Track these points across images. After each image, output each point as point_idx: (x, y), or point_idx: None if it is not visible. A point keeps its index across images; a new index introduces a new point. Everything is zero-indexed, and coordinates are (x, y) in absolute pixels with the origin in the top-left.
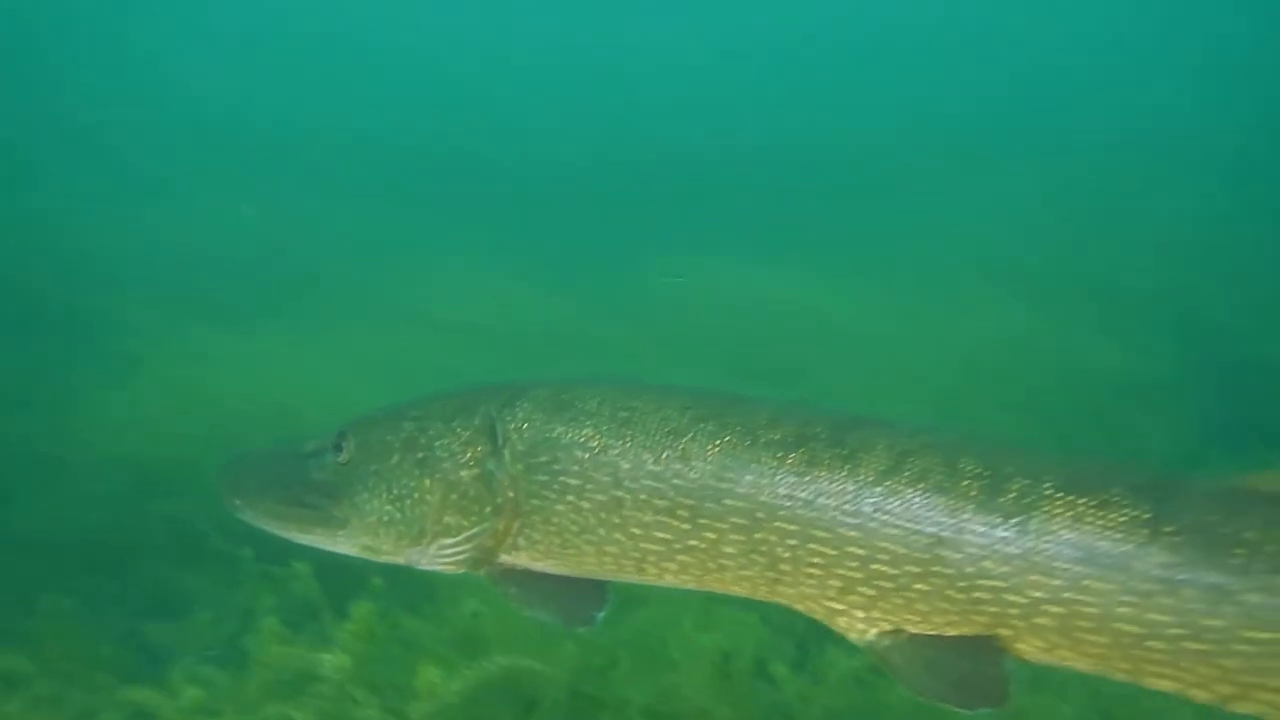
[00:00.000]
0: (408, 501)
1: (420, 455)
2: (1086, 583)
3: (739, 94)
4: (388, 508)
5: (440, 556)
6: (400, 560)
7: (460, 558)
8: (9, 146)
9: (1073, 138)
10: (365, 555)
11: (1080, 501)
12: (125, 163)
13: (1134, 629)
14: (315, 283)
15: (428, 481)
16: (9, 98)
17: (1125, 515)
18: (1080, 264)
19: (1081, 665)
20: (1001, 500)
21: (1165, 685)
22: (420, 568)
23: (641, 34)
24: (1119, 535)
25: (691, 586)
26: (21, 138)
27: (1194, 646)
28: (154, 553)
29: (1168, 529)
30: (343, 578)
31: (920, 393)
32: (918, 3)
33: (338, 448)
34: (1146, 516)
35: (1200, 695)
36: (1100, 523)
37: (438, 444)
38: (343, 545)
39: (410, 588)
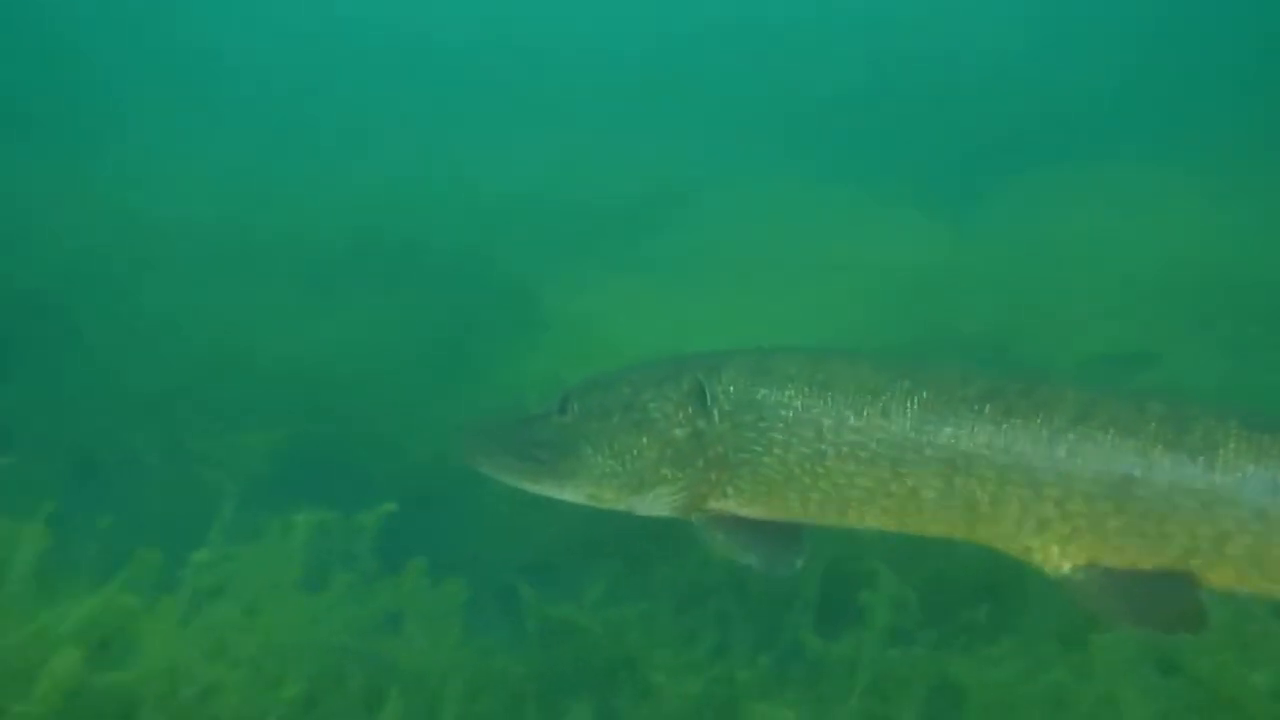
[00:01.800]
0: (627, 456)
1: (637, 416)
2: (1273, 513)
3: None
4: (610, 462)
5: (657, 503)
6: (621, 507)
7: (676, 503)
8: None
9: None
10: (590, 503)
11: (1265, 437)
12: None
13: None
14: (690, 226)
15: (645, 439)
16: None
17: None
18: None
19: (1269, 590)
20: (1188, 438)
21: None
22: (639, 513)
23: None
24: None
25: (891, 528)
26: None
27: None
28: None
29: None
30: None
31: None
32: None
33: (562, 410)
34: None
35: None
36: None
37: (652, 405)
38: (570, 494)
39: None
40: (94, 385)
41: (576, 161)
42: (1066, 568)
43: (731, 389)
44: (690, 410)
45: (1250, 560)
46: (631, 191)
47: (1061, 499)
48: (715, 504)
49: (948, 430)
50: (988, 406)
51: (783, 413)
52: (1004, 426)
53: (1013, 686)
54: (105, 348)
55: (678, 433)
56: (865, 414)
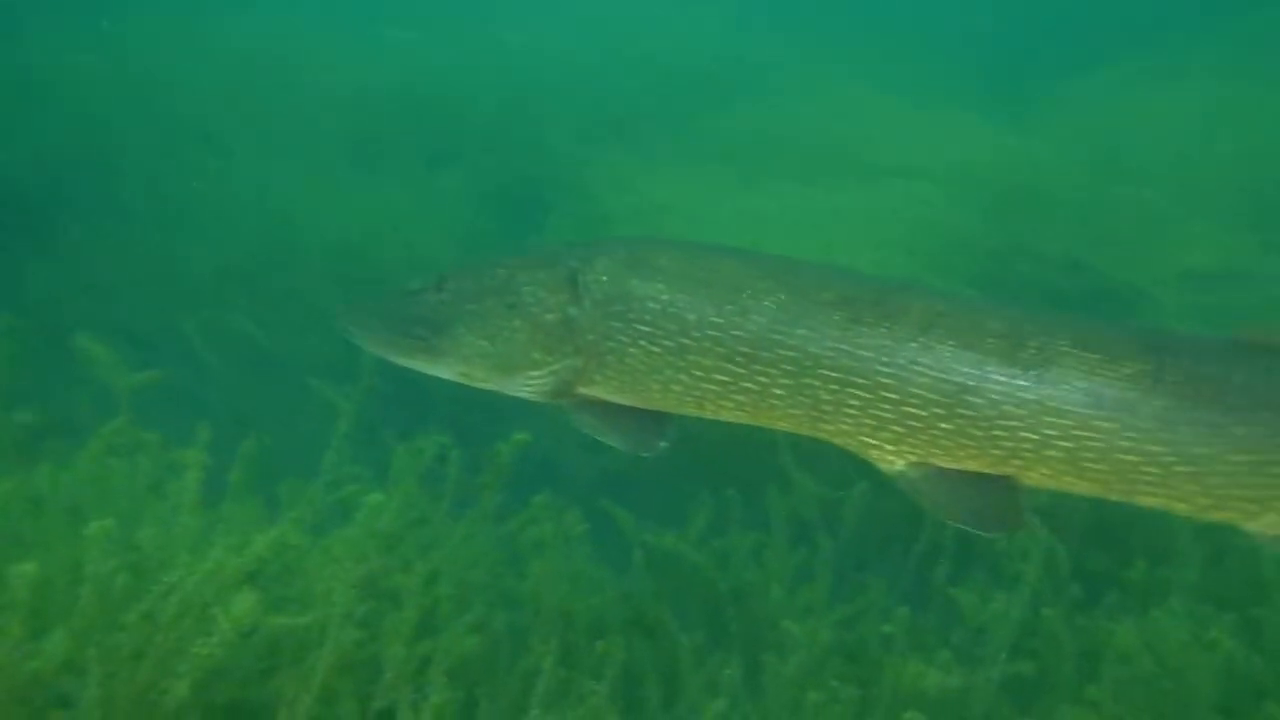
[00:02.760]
0: (499, 338)
1: (511, 300)
2: (1095, 422)
3: None
4: (482, 342)
5: (526, 385)
6: (492, 386)
7: (544, 387)
8: None
9: None
10: (462, 380)
11: (1092, 356)
12: None
13: (1133, 458)
14: (747, 114)
15: (517, 322)
16: None
17: (1132, 367)
18: None
19: (1080, 489)
20: (1021, 354)
21: (1152, 502)
22: (508, 393)
23: None
24: (1126, 384)
25: (744, 421)
26: None
27: (1183, 469)
28: None
29: (1170, 377)
30: None
31: None
32: None
33: (439, 288)
34: (1148, 368)
35: (1181, 508)
36: (1109, 374)
37: (526, 290)
38: (442, 370)
39: None
40: (139, 263)
41: (622, 22)
42: (900, 465)
43: (604, 278)
44: (563, 297)
45: (1067, 463)
46: (685, 64)
47: (899, 402)
48: (583, 390)
49: (799, 332)
50: (838, 313)
51: (650, 304)
52: (851, 332)
53: (1177, 652)
54: (149, 223)
55: (549, 318)
56: (725, 310)
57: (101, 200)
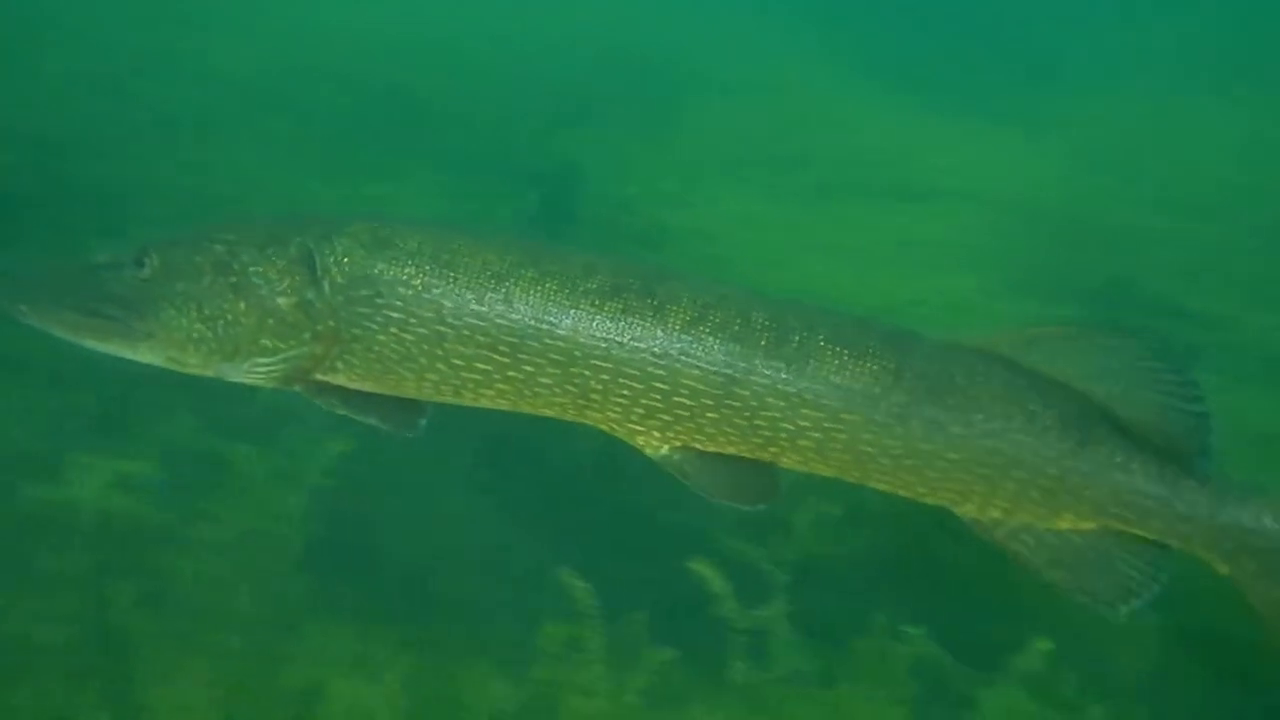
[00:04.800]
0: (220, 323)
1: (233, 280)
2: (843, 415)
3: None
4: (198, 326)
5: (253, 372)
6: (209, 373)
7: (274, 375)
8: None
9: None
10: (170, 366)
11: (844, 351)
12: None
13: (871, 450)
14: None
15: (242, 305)
16: None
17: (876, 364)
18: None
19: (823, 472)
20: (784, 349)
21: (882, 487)
22: (229, 379)
23: None
24: (870, 379)
25: (505, 408)
26: None
27: (909, 462)
28: None
29: (906, 375)
30: None
31: None
32: None
33: (139, 263)
34: (891, 366)
35: (904, 493)
36: (857, 369)
37: (251, 270)
38: (145, 355)
39: None
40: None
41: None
42: (665, 450)
43: (346, 260)
44: (297, 279)
45: (816, 451)
46: (658, 61)
47: (669, 393)
48: (321, 377)
49: (568, 322)
50: (608, 303)
51: (401, 290)
52: (621, 324)
53: None
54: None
55: (281, 302)
56: (488, 299)
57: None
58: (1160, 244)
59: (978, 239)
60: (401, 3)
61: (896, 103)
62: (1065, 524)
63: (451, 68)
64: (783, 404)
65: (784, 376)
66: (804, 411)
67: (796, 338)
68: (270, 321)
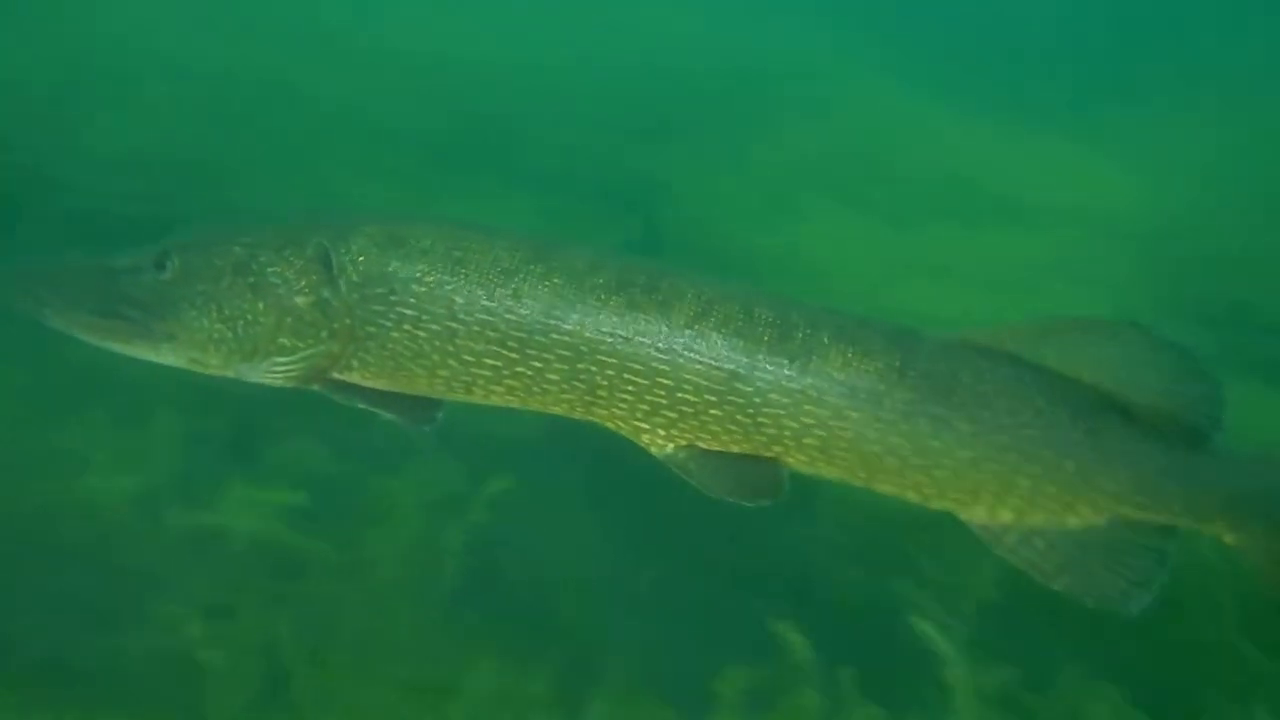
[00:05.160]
0: (240, 323)
1: (252, 280)
2: (848, 413)
3: None
4: (218, 326)
5: (272, 372)
6: (229, 373)
7: (292, 374)
8: None
9: None
10: (191, 367)
11: (848, 348)
12: None
13: (877, 449)
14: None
15: (261, 305)
16: None
17: (881, 361)
18: None
19: (830, 474)
20: (788, 345)
21: (888, 490)
22: (247, 379)
23: None
24: (875, 377)
25: (514, 406)
26: None
27: (917, 461)
28: None
29: (910, 373)
30: None
31: None
32: None
33: (160, 266)
34: (896, 364)
35: (912, 495)
36: (861, 367)
37: (270, 270)
38: (166, 357)
39: None
40: None
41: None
42: (670, 448)
43: (361, 259)
44: (315, 278)
45: (820, 450)
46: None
47: (673, 388)
48: (337, 375)
49: (575, 317)
50: (614, 298)
51: (415, 287)
52: (628, 319)
53: None
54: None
55: (299, 301)
56: (498, 295)
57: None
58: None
59: (1085, 262)
60: (488, 26)
61: (979, 122)
62: (1077, 520)
63: (540, 89)
64: (786, 401)
65: (787, 373)
66: (807, 409)
67: (800, 334)
68: (288, 320)
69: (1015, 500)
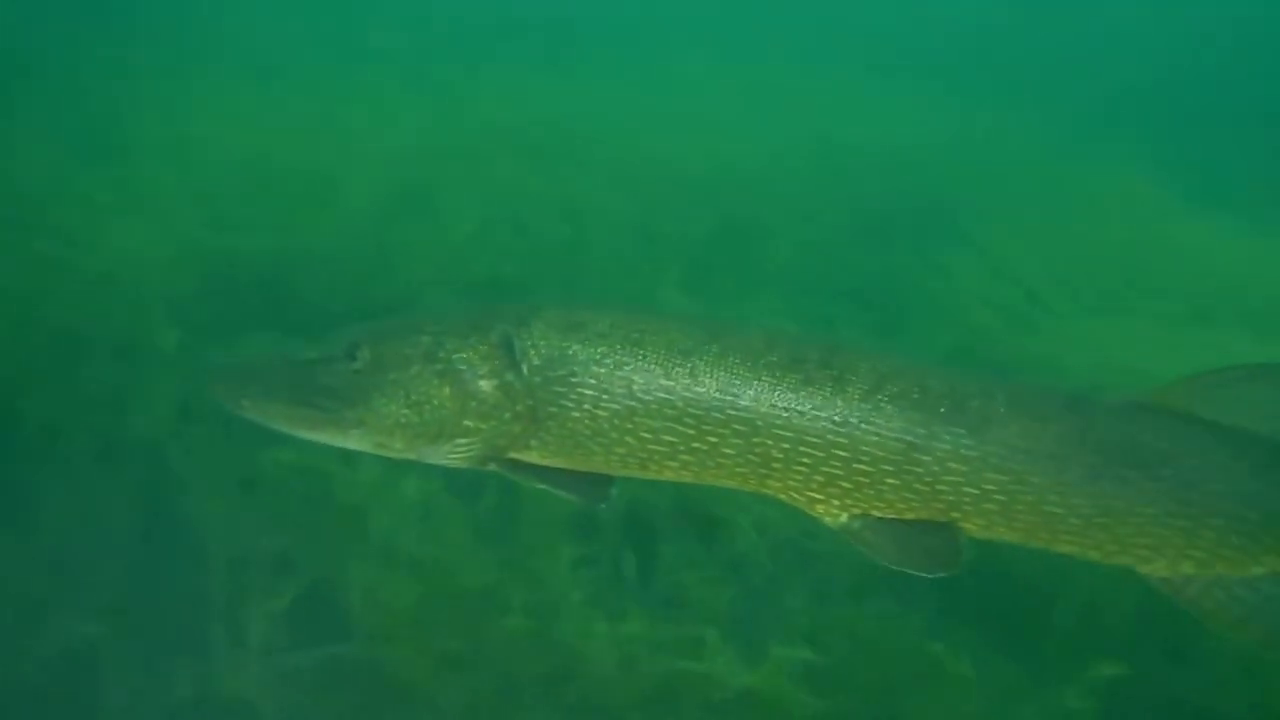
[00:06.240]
0: (426, 407)
1: (439, 366)
2: (1029, 478)
3: None
4: (405, 411)
5: (453, 454)
6: (411, 456)
7: (472, 455)
8: None
9: None
10: (376, 451)
11: (1025, 415)
12: None
13: (1060, 510)
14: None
15: (447, 390)
16: None
17: (1059, 426)
18: None
19: (1010, 538)
20: (963, 415)
21: (1069, 550)
22: (428, 461)
23: None
24: (1055, 442)
25: (688, 480)
26: None
27: (1101, 520)
28: None
29: (1091, 435)
30: None
31: None
32: None
33: (350, 356)
34: (1075, 426)
35: (1094, 555)
36: (1040, 432)
37: (456, 356)
38: (354, 443)
39: None
40: None
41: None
42: (844, 518)
43: (543, 343)
44: (498, 362)
45: (1001, 514)
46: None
47: (849, 460)
48: (515, 455)
49: (750, 393)
50: (789, 375)
51: (595, 369)
52: (802, 394)
53: None
54: None
55: (484, 385)
56: (675, 374)
57: None
58: None
59: None
60: (721, 129)
61: (1224, 223)
62: (1261, 569)
63: (782, 195)
64: (964, 469)
65: (965, 442)
66: (987, 476)
67: (975, 403)
68: (473, 404)
69: (1198, 553)
